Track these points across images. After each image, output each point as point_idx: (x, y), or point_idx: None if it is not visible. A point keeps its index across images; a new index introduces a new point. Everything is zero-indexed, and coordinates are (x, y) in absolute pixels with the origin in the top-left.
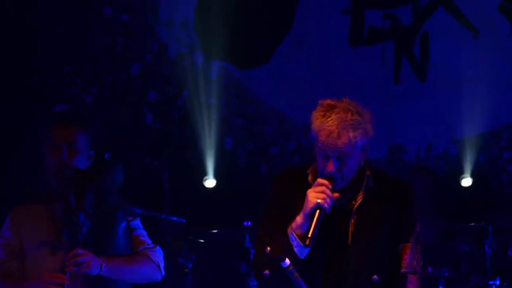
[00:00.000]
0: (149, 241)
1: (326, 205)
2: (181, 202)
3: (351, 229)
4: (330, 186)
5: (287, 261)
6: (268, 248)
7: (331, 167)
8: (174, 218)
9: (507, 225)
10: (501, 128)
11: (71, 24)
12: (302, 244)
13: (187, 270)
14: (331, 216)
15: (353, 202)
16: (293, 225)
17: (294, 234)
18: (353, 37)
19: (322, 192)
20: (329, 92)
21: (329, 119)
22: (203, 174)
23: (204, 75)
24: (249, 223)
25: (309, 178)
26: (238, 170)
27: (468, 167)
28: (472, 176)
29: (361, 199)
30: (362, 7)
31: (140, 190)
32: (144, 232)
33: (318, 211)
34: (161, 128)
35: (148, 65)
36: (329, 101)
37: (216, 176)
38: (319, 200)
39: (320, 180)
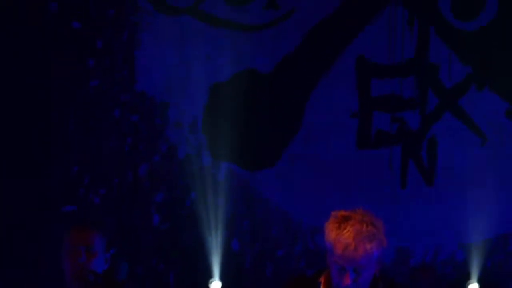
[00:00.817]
0: None
1: None
2: None
3: None
4: None
5: None
6: None
7: (347, 280)
8: None
9: None
10: (507, 233)
11: (79, 124)
12: None
13: None
14: None
15: None
16: None
17: None
18: (360, 140)
19: None
20: (336, 195)
21: (344, 231)
22: (209, 276)
23: (212, 177)
24: None
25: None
26: (244, 273)
27: (475, 273)
28: (479, 282)
29: None
30: (370, 110)
31: None
32: None
33: None
34: (168, 229)
35: (156, 166)
36: (343, 213)
37: (222, 279)
38: None
39: None
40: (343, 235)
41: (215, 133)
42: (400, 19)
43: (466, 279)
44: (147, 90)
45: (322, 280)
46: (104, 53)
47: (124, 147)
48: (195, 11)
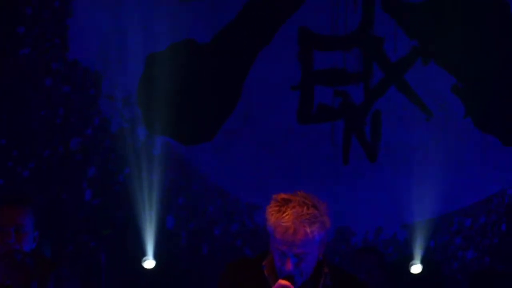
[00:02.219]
0: None
1: None
2: (119, 284)
3: None
4: (292, 287)
5: None
6: None
7: (289, 265)
8: None
9: None
10: (452, 212)
11: (8, 94)
12: None
13: None
14: None
15: None
16: None
17: None
18: (301, 114)
19: None
20: (276, 172)
21: (284, 214)
22: (142, 254)
23: (147, 151)
24: None
25: (265, 271)
26: (179, 251)
27: (418, 253)
28: (422, 262)
29: None
30: (312, 84)
31: (76, 272)
32: None
33: None
34: (100, 205)
35: (88, 139)
36: (283, 195)
37: (156, 257)
38: None
39: (282, 282)
40: (283, 218)
41: (151, 106)
42: None
43: (409, 259)
44: (80, 59)
45: (265, 263)
46: (34, 20)
47: (56, 118)
48: None
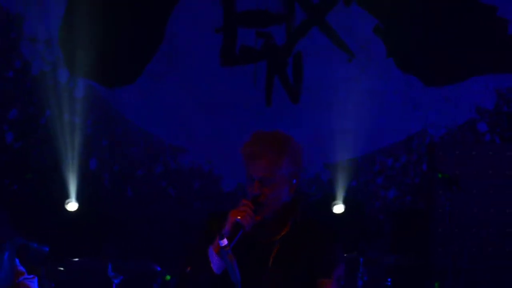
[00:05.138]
0: (24, 270)
1: (245, 222)
2: (41, 227)
3: (273, 255)
4: (252, 207)
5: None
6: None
7: (255, 188)
8: (45, 248)
9: (379, 256)
10: (374, 152)
11: None
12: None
13: None
14: (256, 247)
15: (278, 235)
16: (213, 244)
17: (212, 249)
18: (225, 56)
19: (243, 211)
20: (200, 113)
21: (256, 141)
22: (65, 197)
23: (69, 94)
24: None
25: None
26: (102, 193)
27: (340, 193)
28: (344, 202)
29: (287, 231)
30: (235, 25)
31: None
32: (18, 261)
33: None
34: (22, 148)
35: (9, 82)
36: (260, 132)
37: (78, 200)
38: (238, 217)
39: (243, 201)
40: (254, 144)
41: (73, 48)
42: None
43: (331, 199)
44: (0, 1)
45: None
46: None
47: None
48: None
